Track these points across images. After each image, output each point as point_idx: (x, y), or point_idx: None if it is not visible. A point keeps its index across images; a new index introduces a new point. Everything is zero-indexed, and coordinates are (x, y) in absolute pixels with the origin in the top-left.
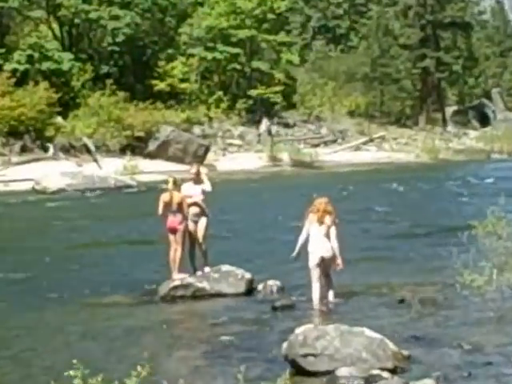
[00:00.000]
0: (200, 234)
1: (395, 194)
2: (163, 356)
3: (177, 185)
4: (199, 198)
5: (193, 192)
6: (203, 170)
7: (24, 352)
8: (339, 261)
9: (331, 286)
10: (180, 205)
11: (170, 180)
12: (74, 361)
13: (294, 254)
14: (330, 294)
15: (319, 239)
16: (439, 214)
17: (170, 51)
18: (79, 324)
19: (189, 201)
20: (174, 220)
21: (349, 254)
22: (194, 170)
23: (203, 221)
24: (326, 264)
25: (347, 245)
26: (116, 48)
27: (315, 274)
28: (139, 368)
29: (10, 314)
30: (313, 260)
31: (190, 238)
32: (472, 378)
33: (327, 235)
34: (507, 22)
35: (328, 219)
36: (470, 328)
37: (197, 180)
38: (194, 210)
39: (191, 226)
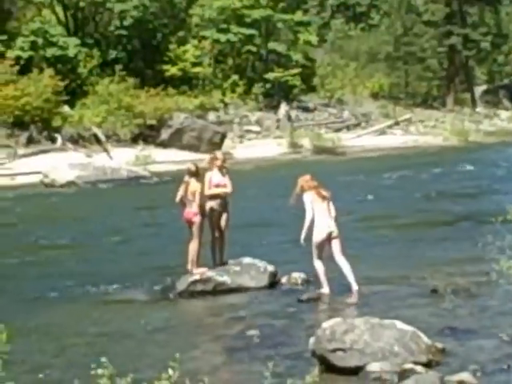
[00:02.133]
0: (223, 226)
1: (425, 180)
2: (186, 354)
3: (195, 173)
4: (227, 189)
5: (220, 180)
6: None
7: (39, 352)
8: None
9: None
10: (195, 195)
11: (192, 167)
12: (103, 359)
13: (302, 239)
14: (352, 281)
15: (325, 215)
16: (472, 200)
17: (180, 34)
18: (97, 323)
19: (214, 190)
20: (189, 211)
21: (377, 244)
22: (220, 157)
23: (226, 213)
24: (331, 241)
25: (373, 233)
26: (124, 32)
27: (318, 250)
28: (170, 371)
29: (23, 312)
30: (320, 236)
31: (213, 230)
32: (511, 370)
33: (329, 211)
34: None
35: (325, 192)
36: (508, 318)
37: (222, 168)
38: (219, 200)
39: (214, 217)
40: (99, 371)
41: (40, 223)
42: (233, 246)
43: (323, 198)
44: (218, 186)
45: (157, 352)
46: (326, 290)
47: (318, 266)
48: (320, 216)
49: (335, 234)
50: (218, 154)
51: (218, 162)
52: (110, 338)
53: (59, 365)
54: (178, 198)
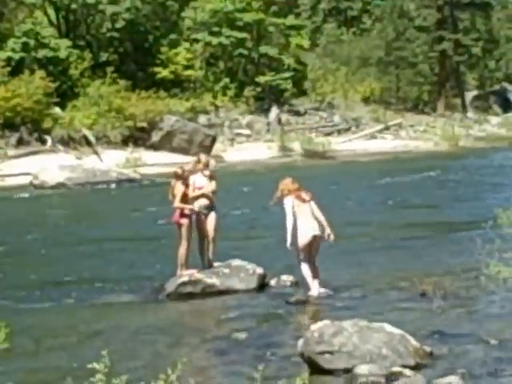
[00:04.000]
0: (211, 227)
1: (416, 184)
2: (173, 355)
3: (181, 176)
4: (208, 190)
5: (202, 183)
6: (211, 162)
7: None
8: (328, 230)
9: (318, 276)
10: (176, 197)
11: (178, 170)
12: (104, 352)
13: (288, 244)
14: (316, 284)
15: (308, 218)
16: (462, 204)
17: (172, 37)
18: (86, 324)
19: (197, 192)
20: (175, 214)
21: (366, 246)
22: (203, 160)
23: (213, 214)
24: (315, 244)
25: (365, 237)
26: (116, 34)
27: (304, 253)
28: (169, 371)
29: (15, 315)
30: (304, 239)
31: (200, 232)
32: (499, 374)
33: (312, 213)
34: None
35: (305, 195)
36: (496, 322)
37: (205, 171)
38: (203, 202)
39: (201, 219)
40: (96, 365)
41: (29, 225)
42: (222, 248)
43: (303, 200)
44: (201, 188)
45: (146, 353)
46: (314, 292)
47: (305, 269)
48: (302, 219)
49: (318, 236)
50: (202, 156)
51: (200, 166)
52: (98, 340)
53: (52, 364)
54: (176, 202)
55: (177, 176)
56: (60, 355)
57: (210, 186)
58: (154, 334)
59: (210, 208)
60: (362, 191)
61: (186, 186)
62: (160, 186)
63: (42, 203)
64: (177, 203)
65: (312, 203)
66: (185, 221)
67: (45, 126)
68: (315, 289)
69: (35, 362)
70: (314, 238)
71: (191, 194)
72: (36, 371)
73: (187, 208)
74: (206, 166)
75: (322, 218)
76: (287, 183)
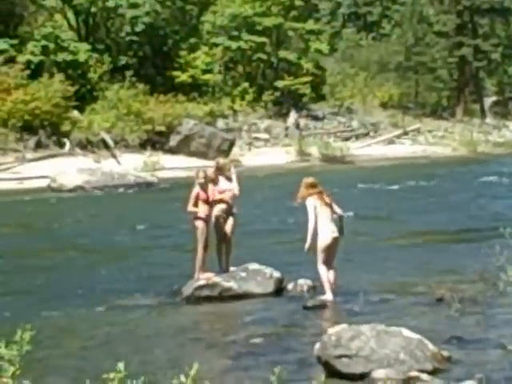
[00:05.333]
0: (228, 231)
1: (433, 190)
2: (189, 359)
3: (203, 179)
4: (229, 195)
5: (224, 187)
6: (231, 165)
7: (52, 356)
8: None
9: (334, 281)
10: (196, 201)
11: (200, 174)
12: (120, 364)
13: (307, 246)
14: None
15: (329, 220)
16: (480, 210)
17: (192, 41)
18: (103, 328)
19: (218, 196)
20: (192, 217)
21: (383, 251)
22: (221, 162)
23: (232, 218)
24: (334, 247)
25: (381, 243)
26: (135, 38)
27: (323, 256)
28: (182, 378)
29: (32, 317)
30: (325, 241)
31: (219, 235)
32: None
33: (332, 215)
34: None
35: (327, 198)
36: None
37: (226, 175)
38: (223, 206)
39: (220, 222)
40: (111, 375)
41: (47, 227)
42: (239, 252)
43: (326, 203)
44: (222, 192)
45: (162, 357)
46: (329, 296)
47: (323, 271)
48: (324, 221)
49: (338, 239)
50: (220, 160)
51: (218, 169)
52: (114, 343)
53: (71, 366)
54: (189, 206)
55: (199, 179)
56: (77, 358)
57: (230, 191)
58: (170, 337)
59: (229, 212)
60: (379, 196)
61: (205, 190)
62: (178, 189)
63: (64, 206)
64: (190, 207)
65: (333, 204)
66: (199, 224)
67: (63, 129)
68: (330, 293)
69: (54, 364)
70: (334, 240)
71: (212, 197)
72: (55, 373)
73: (199, 212)
74: (225, 168)
75: (340, 211)
76: (310, 181)
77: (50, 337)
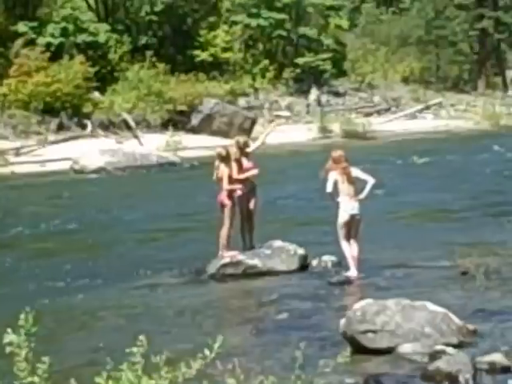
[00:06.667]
0: (252, 208)
1: (457, 164)
2: (214, 335)
3: (225, 158)
4: (253, 173)
5: (247, 165)
6: (250, 142)
7: (80, 332)
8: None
9: (356, 257)
10: (222, 180)
11: (222, 152)
12: (141, 337)
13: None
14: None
15: (350, 197)
16: (503, 185)
17: (211, 19)
18: (130, 306)
19: (242, 175)
20: (219, 195)
21: (407, 227)
22: (241, 141)
23: (255, 196)
24: (354, 225)
25: (406, 218)
26: (154, 17)
27: (343, 231)
28: (206, 351)
29: (61, 296)
30: (343, 218)
31: (243, 213)
32: None
33: (355, 191)
34: None
35: (351, 173)
36: None
37: (247, 153)
38: (247, 184)
39: (243, 200)
40: (134, 349)
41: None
42: (264, 230)
43: (348, 179)
44: (246, 170)
45: (186, 333)
46: (353, 272)
47: (345, 246)
48: (343, 197)
49: (358, 216)
50: (240, 138)
51: (239, 148)
52: (141, 319)
53: (93, 346)
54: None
55: (221, 157)
56: (102, 335)
57: (253, 169)
58: (194, 315)
59: (253, 190)
60: (402, 172)
61: (230, 167)
62: (201, 168)
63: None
64: (226, 185)
65: (358, 171)
66: (229, 202)
67: (84, 110)
68: (354, 268)
69: (78, 342)
70: (352, 217)
71: (235, 176)
72: (78, 352)
73: (236, 189)
74: (247, 146)
75: (372, 180)
76: (339, 155)
77: (73, 318)
